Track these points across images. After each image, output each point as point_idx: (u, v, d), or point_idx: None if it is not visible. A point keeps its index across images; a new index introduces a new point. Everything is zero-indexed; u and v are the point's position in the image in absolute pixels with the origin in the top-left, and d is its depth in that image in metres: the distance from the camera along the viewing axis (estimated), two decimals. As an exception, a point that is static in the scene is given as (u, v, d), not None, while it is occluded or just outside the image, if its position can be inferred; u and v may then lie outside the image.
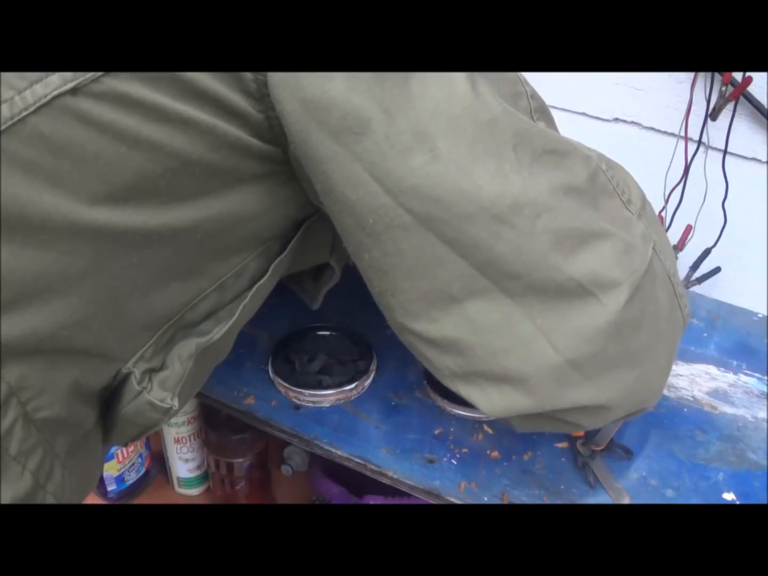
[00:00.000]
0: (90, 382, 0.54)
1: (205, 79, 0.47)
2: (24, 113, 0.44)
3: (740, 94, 1.02)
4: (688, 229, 1.12)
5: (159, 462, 1.03)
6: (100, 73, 0.44)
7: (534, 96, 0.55)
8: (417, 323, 0.55)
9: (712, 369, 0.81)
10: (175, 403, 0.56)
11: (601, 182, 0.54)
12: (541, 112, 0.55)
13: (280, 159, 0.53)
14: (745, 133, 1.07)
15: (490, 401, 0.56)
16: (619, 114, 1.13)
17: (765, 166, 1.08)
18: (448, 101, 0.48)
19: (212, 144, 0.49)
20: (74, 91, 0.44)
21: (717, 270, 1.11)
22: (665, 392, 0.78)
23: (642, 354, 0.56)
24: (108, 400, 0.57)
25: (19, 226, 0.45)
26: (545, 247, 0.50)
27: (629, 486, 0.67)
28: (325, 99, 0.47)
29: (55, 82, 0.44)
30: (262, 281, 0.59)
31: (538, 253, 0.50)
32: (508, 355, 0.53)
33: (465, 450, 0.71)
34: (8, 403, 0.48)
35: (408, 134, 0.47)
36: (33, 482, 0.50)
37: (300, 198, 0.57)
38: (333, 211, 0.54)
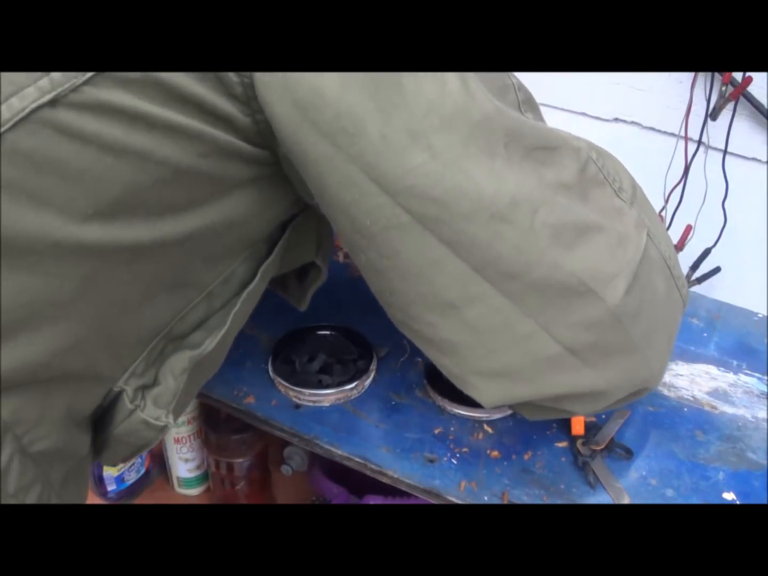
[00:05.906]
0: (83, 406, 0.53)
1: (189, 84, 0.45)
2: (1, 129, 0.41)
3: (740, 94, 1.02)
4: (688, 229, 1.12)
5: (159, 462, 1.03)
6: (80, 82, 0.42)
7: (521, 88, 0.55)
8: (415, 323, 0.55)
9: (712, 369, 0.81)
10: (170, 420, 0.55)
11: (592, 173, 0.54)
12: (528, 103, 0.54)
13: (270, 161, 0.52)
14: (745, 133, 1.07)
15: (487, 394, 0.57)
16: (619, 114, 1.12)
17: (765, 166, 1.08)
18: (442, 101, 0.47)
19: (202, 150, 0.47)
20: (53, 103, 0.42)
21: (717, 270, 1.11)
22: (665, 392, 0.78)
23: (641, 340, 0.56)
24: (98, 420, 0.56)
25: (4, 250, 0.43)
26: (544, 242, 0.50)
27: (629, 486, 0.67)
28: (317, 99, 0.46)
29: (32, 94, 0.41)
30: (251, 287, 0.57)
31: (538, 250, 0.50)
32: (507, 352, 0.54)
33: (465, 449, 0.71)
34: (4, 439, 0.46)
35: (404, 133, 0.47)
36: None
37: (288, 198, 0.56)
38: (328, 213, 0.53)
